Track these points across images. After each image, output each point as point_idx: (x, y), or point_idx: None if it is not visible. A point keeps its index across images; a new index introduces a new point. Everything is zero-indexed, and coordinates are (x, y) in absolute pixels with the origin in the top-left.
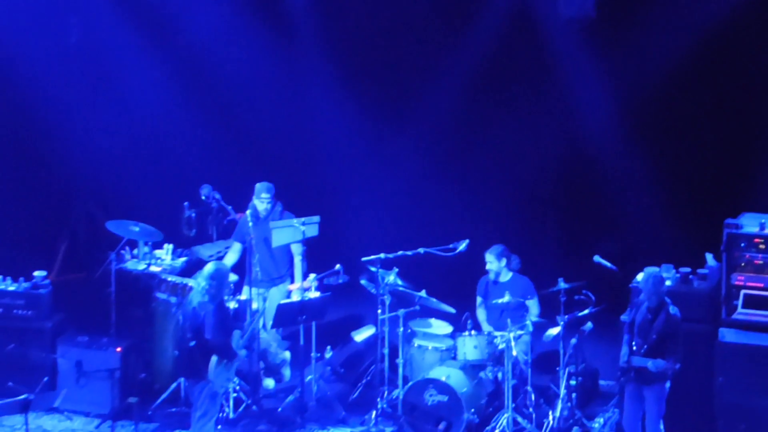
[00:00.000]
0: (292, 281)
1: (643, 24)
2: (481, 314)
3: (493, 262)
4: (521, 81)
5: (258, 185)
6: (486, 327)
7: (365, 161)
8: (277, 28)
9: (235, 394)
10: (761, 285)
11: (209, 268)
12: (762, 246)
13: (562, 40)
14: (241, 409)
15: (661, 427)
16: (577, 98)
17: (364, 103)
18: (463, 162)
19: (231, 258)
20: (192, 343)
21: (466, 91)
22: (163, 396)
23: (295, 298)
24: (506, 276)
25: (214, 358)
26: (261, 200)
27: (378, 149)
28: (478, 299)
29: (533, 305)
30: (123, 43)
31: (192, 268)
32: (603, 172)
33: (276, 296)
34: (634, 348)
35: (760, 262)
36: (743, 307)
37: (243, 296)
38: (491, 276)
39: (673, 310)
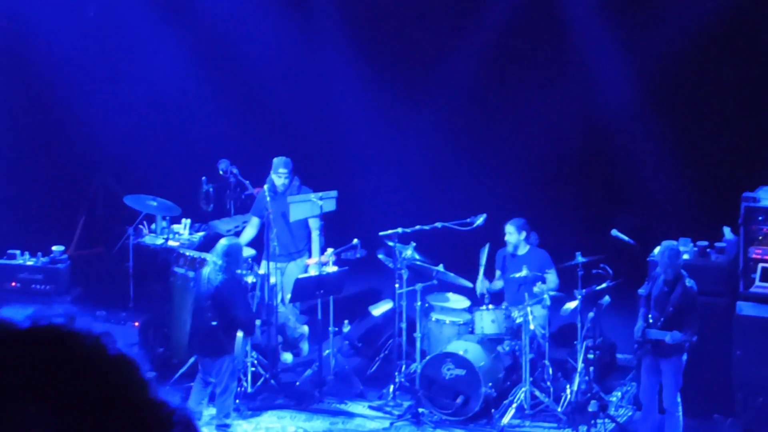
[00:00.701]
0: (310, 256)
1: (660, 1)
2: (496, 284)
3: (513, 234)
4: (539, 55)
5: (275, 160)
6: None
7: (383, 136)
8: (295, 2)
9: (253, 369)
10: None
11: (222, 244)
12: None
13: (580, 13)
14: (259, 383)
15: (678, 399)
16: (595, 72)
17: (382, 78)
18: (480, 136)
19: (249, 232)
20: (214, 323)
21: (484, 65)
22: (182, 370)
23: (313, 272)
24: (524, 249)
25: (240, 334)
26: (278, 175)
27: (395, 124)
28: (497, 273)
29: (552, 277)
30: (141, 17)
31: (210, 242)
32: (621, 146)
33: (293, 271)
34: (651, 321)
35: None
36: (761, 280)
37: (261, 270)
38: (509, 249)
39: (689, 282)
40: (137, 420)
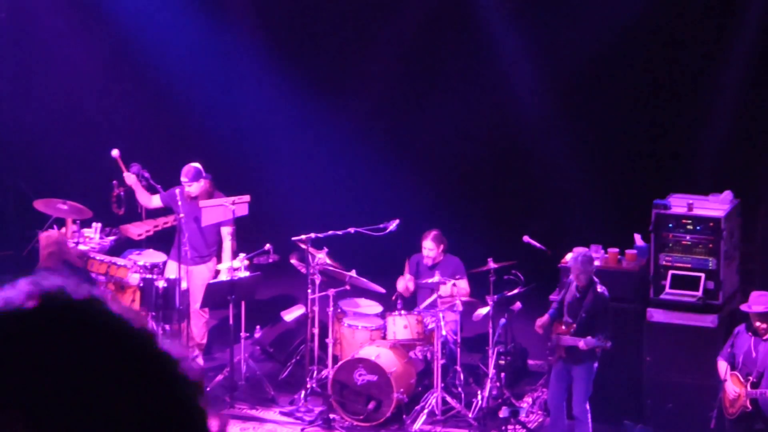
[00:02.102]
0: (219, 260)
1: (573, 6)
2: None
3: (433, 249)
4: (452, 60)
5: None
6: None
7: (296, 140)
8: (208, 4)
9: None
10: (689, 265)
11: None
12: (690, 226)
13: (493, 17)
14: None
15: (587, 407)
16: (507, 79)
17: (296, 81)
18: (393, 141)
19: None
20: None
21: (397, 69)
22: None
23: (223, 277)
24: (438, 257)
25: None
26: (182, 183)
27: (309, 128)
28: (407, 276)
29: (463, 284)
30: (52, 18)
31: (120, 246)
32: (533, 152)
33: (201, 274)
34: (563, 328)
35: (688, 242)
36: (671, 287)
37: (172, 275)
38: (428, 261)
39: (600, 288)
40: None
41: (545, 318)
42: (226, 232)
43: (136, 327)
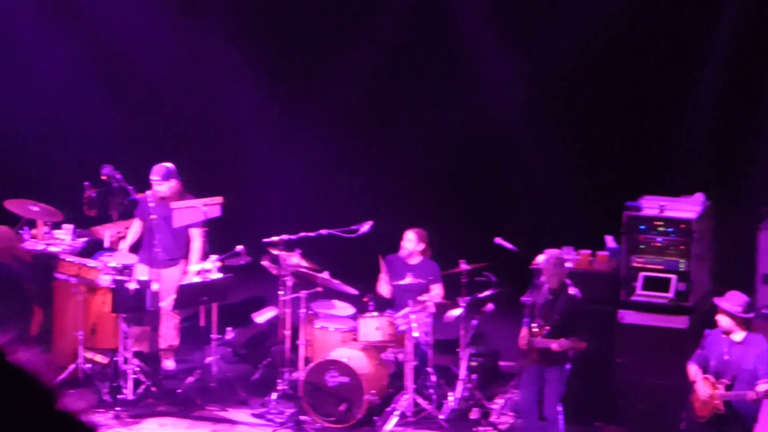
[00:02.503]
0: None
1: (550, 10)
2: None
3: (412, 241)
4: (428, 61)
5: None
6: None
7: (269, 141)
8: (182, 5)
9: (135, 375)
10: (660, 267)
11: None
12: (661, 228)
13: (471, 19)
14: (141, 390)
15: (559, 408)
16: (481, 81)
17: (269, 83)
18: (367, 142)
19: (132, 234)
20: None
21: (372, 70)
22: (61, 376)
23: (191, 278)
24: (416, 259)
25: None
26: (152, 182)
27: (282, 129)
28: (384, 277)
29: (437, 290)
30: (26, 16)
31: (92, 248)
32: (505, 154)
33: (172, 276)
34: (536, 329)
35: (660, 244)
36: (642, 288)
37: (143, 276)
38: (403, 253)
39: (573, 291)
40: None
41: (524, 331)
42: (196, 233)
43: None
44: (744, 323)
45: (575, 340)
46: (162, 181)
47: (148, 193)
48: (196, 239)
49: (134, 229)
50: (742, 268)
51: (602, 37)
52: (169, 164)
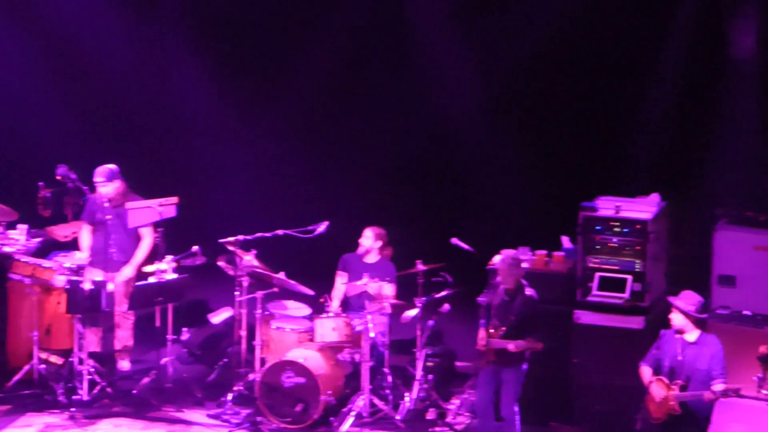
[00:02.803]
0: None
1: (505, 11)
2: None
3: (369, 238)
4: (385, 61)
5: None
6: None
7: (225, 141)
8: (137, 6)
9: (90, 376)
10: (616, 267)
11: None
12: (617, 229)
13: (428, 20)
14: (96, 391)
15: (516, 408)
16: (439, 82)
17: (225, 82)
18: (323, 143)
19: (86, 239)
20: None
21: (329, 70)
22: (16, 377)
23: (127, 274)
24: (373, 258)
25: None
26: (96, 184)
27: (238, 129)
28: (341, 278)
29: (388, 289)
30: None
31: (47, 248)
32: (462, 155)
33: (123, 277)
34: (492, 330)
35: (615, 244)
36: (598, 289)
37: (99, 277)
38: (360, 250)
39: (529, 292)
40: None
41: (482, 332)
42: (146, 231)
43: None
44: (697, 323)
45: (531, 341)
46: (106, 183)
47: (101, 194)
48: (147, 237)
49: (85, 234)
50: (698, 269)
51: (558, 38)
52: (112, 165)
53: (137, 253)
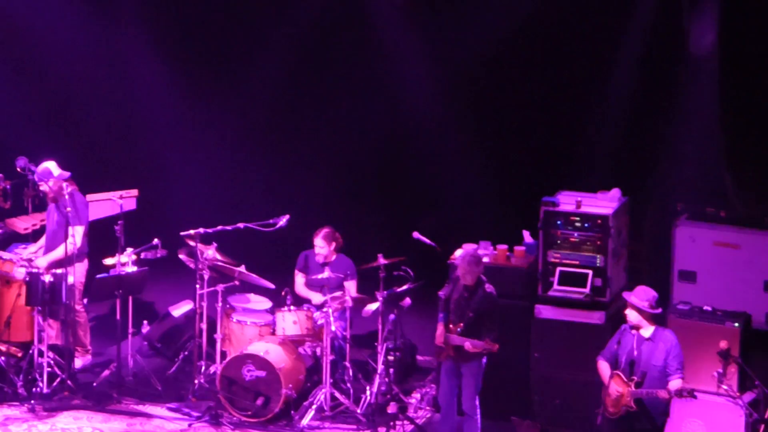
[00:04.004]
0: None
1: (465, 6)
2: (300, 288)
3: (324, 247)
4: (344, 57)
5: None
6: (312, 296)
7: (185, 134)
8: (98, 3)
9: (49, 369)
10: (576, 262)
11: None
12: (578, 224)
13: (386, 15)
14: (55, 384)
15: (477, 402)
16: (399, 77)
17: (186, 76)
18: (285, 136)
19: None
20: None
21: (289, 65)
22: None
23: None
24: (332, 257)
25: None
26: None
27: (198, 122)
28: (299, 276)
29: (351, 287)
30: None
31: (7, 241)
32: (423, 149)
33: (82, 270)
34: (451, 326)
35: (576, 239)
36: (559, 283)
37: (59, 270)
38: (318, 259)
39: (488, 288)
40: None
41: (440, 327)
42: (78, 231)
43: None
44: (652, 318)
45: (488, 342)
46: (40, 182)
47: (63, 184)
48: (77, 237)
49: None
50: (658, 264)
51: (516, 33)
52: (48, 163)
53: (57, 249)
